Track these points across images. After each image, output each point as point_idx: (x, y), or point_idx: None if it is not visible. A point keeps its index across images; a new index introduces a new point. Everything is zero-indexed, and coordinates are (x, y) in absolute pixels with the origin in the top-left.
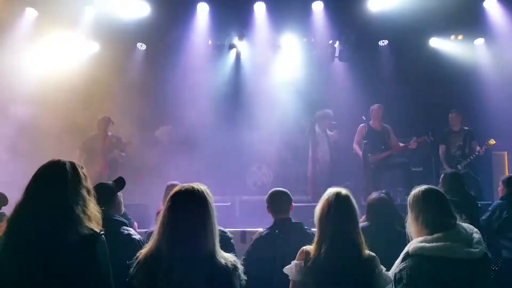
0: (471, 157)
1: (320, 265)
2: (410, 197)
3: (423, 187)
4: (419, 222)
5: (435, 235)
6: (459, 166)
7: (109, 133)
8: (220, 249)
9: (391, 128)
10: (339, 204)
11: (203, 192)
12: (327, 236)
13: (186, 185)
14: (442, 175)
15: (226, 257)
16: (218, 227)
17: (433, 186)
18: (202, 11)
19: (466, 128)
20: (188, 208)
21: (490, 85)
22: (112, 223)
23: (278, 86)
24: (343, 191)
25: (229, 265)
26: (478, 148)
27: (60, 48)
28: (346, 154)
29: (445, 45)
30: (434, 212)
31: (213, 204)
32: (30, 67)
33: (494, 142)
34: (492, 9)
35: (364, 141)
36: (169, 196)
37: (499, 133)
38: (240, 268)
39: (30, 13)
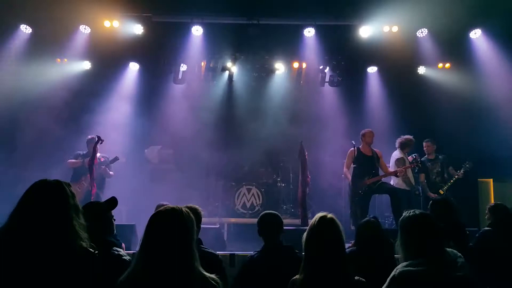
0: (451, 181)
1: None
2: (400, 221)
3: (413, 211)
4: (407, 246)
5: (420, 260)
6: (441, 191)
7: (98, 154)
8: (202, 270)
9: (381, 153)
10: (323, 228)
11: (183, 213)
12: (311, 262)
13: (169, 206)
14: (430, 202)
15: (208, 278)
16: (209, 250)
17: (424, 211)
18: (196, 33)
19: (441, 156)
20: (167, 231)
21: (476, 114)
22: (102, 243)
23: (269, 109)
24: (328, 215)
25: (211, 286)
26: (456, 172)
27: (52, 65)
28: (335, 178)
29: (433, 73)
30: (420, 236)
31: (194, 226)
32: (21, 82)
33: (470, 164)
34: (478, 40)
35: (354, 166)
36: (151, 216)
37: (485, 161)
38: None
39: (24, 29)
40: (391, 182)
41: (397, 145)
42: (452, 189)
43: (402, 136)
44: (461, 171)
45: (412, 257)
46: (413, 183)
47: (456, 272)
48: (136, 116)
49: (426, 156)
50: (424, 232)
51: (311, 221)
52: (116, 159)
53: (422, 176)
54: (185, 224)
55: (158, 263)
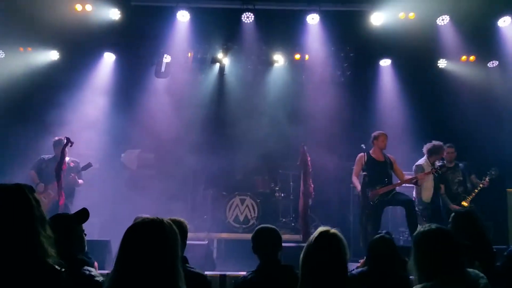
0: (475, 192)
1: None
2: (414, 236)
3: (429, 225)
4: (421, 265)
5: (437, 281)
6: (464, 203)
7: (67, 158)
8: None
9: (395, 159)
10: (322, 245)
11: (165, 226)
12: (308, 284)
13: (148, 217)
14: (452, 215)
15: None
16: (195, 270)
17: (440, 226)
18: (183, 19)
19: (461, 164)
20: (145, 246)
21: (505, 116)
22: (72, 262)
23: (266, 108)
24: (331, 230)
25: None
26: (481, 181)
27: (14, 55)
28: (342, 187)
29: (456, 67)
30: (436, 254)
31: (179, 241)
32: None
33: (496, 172)
34: (507, 29)
35: (364, 173)
36: (127, 229)
37: None
38: None
39: None
40: (414, 194)
41: (424, 151)
42: (476, 200)
43: (430, 142)
44: (486, 179)
45: (427, 278)
46: (430, 196)
47: None
48: (112, 114)
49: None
50: (441, 250)
51: (310, 237)
52: (88, 165)
53: (442, 187)
54: (167, 239)
55: (135, 285)
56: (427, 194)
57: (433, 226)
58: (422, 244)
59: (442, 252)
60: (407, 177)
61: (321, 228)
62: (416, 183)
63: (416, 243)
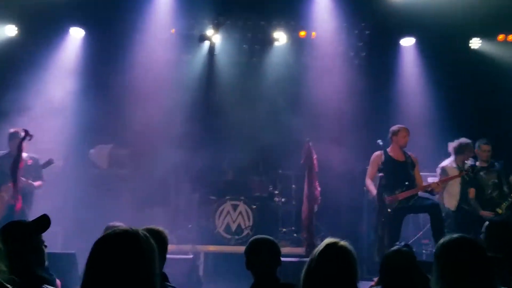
0: None
1: None
2: (436, 249)
3: (454, 236)
4: (445, 283)
5: None
6: (498, 210)
7: (25, 154)
8: None
9: (417, 159)
10: (329, 259)
11: (140, 237)
12: None
13: (121, 227)
14: (486, 224)
15: None
16: None
17: (467, 236)
18: None
19: (497, 163)
20: (117, 262)
21: None
22: (29, 279)
23: (264, 95)
24: (340, 242)
25: None
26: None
27: None
28: (354, 191)
29: (491, 47)
30: (465, 271)
31: (156, 256)
32: None
33: None
34: None
35: (380, 175)
36: (95, 242)
37: None
38: None
39: None
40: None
41: (449, 150)
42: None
43: (458, 139)
44: None
45: None
46: (455, 203)
47: None
48: (79, 101)
49: (477, 163)
50: (465, 263)
51: (315, 250)
52: (50, 162)
53: (471, 191)
54: (143, 253)
55: None
56: (453, 201)
57: (456, 235)
58: (442, 258)
59: (467, 266)
60: (424, 184)
61: (328, 240)
62: (431, 192)
63: (436, 256)
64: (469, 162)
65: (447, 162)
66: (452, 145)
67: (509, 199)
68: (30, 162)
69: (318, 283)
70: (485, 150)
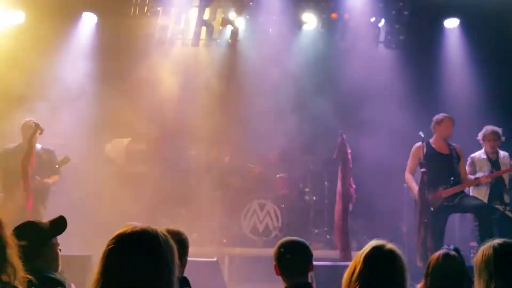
0: None
1: None
2: (477, 256)
3: (497, 241)
4: None
5: None
6: None
7: (38, 146)
8: None
9: (462, 150)
10: (374, 264)
11: (159, 238)
12: None
13: (137, 226)
14: None
15: None
16: None
17: (508, 240)
18: None
19: None
20: (132, 263)
21: None
22: (43, 282)
23: (292, 83)
24: (388, 245)
25: None
26: None
27: None
28: (393, 188)
29: None
30: (506, 278)
31: (176, 258)
32: None
33: None
34: None
35: (422, 169)
36: (110, 239)
37: None
38: None
39: None
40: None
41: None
42: None
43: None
44: None
45: None
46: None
47: None
48: (93, 93)
49: None
50: (508, 272)
51: (358, 253)
52: (65, 161)
53: None
54: (161, 254)
55: None
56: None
57: (497, 242)
58: (482, 267)
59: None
60: (471, 177)
61: (373, 242)
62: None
63: (476, 265)
64: None
65: (478, 152)
66: (480, 133)
67: None
68: (44, 156)
69: (367, 283)
70: None
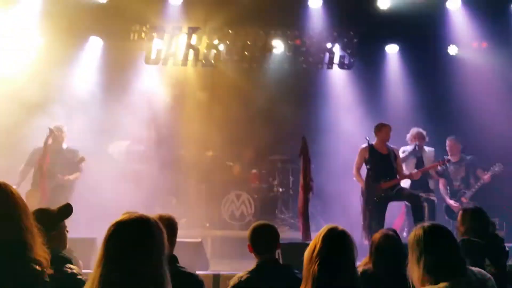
0: (476, 186)
1: None
2: (410, 236)
3: (426, 224)
4: (420, 266)
5: (441, 284)
6: (463, 199)
7: (64, 146)
8: None
9: (398, 151)
10: (330, 243)
11: (151, 223)
12: (314, 283)
13: (132, 214)
14: (461, 211)
15: None
16: (186, 270)
17: (437, 223)
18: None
19: (469, 157)
20: (128, 245)
21: None
22: (53, 260)
23: (263, 95)
24: (340, 227)
25: None
26: (483, 175)
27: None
28: (345, 182)
29: (467, 53)
30: (438, 254)
31: (165, 240)
32: None
33: (500, 167)
34: None
35: (367, 166)
36: (110, 225)
37: None
38: None
39: None
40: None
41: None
42: (478, 196)
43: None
44: (488, 174)
45: (429, 279)
46: None
47: None
48: (99, 101)
49: (449, 157)
50: (442, 249)
51: (316, 235)
52: (81, 160)
53: (442, 182)
54: (153, 237)
55: (117, 285)
56: None
57: (426, 224)
58: (418, 244)
59: (440, 251)
60: (405, 173)
61: (328, 225)
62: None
63: (412, 243)
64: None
65: (406, 147)
66: (408, 134)
67: (472, 190)
68: (68, 155)
69: (321, 264)
70: (452, 145)
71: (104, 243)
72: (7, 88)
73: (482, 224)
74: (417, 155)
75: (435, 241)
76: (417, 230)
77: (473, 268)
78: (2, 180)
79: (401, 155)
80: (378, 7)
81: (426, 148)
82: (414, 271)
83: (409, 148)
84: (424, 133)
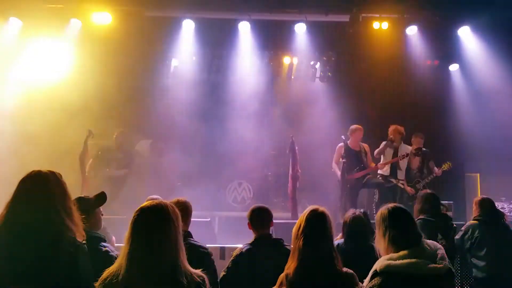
0: (429, 178)
1: (295, 284)
2: (377, 215)
3: (390, 205)
4: (385, 239)
5: (401, 252)
6: (417, 186)
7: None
8: (187, 265)
9: (368, 147)
10: (312, 221)
11: (168, 208)
12: (300, 254)
13: (154, 201)
14: (418, 194)
15: (192, 273)
16: (198, 243)
17: (399, 205)
18: (188, 28)
19: (424, 149)
20: (150, 224)
21: (464, 110)
22: (90, 239)
23: (259, 103)
24: (320, 208)
25: (194, 281)
26: (435, 169)
27: (46, 57)
28: (326, 173)
29: (422, 70)
30: (399, 229)
31: (179, 221)
32: (15, 77)
33: (449, 165)
34: (466, 37)
35: (343, 161)
36: (136, 210)
37: (472, 155)
38: (207, 285)
39: (15, 23)
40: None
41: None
42: (439, 183)
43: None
44: (440, 169)
45: (392, 250)
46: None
47: (437, 263)
48: (128, 107)
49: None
50: (402, 225)
51: (301, 215)
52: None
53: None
54: (170, 220)
55: (142, 259)
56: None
57: (392, 205)
58: (380, 222)
59: (403, 226)
60: (373, 165)
61: (311, 207)
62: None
63: (377, 221)
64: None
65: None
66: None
67: (426, 180)
68: (121, 154)
69: (305, 238)
70: (416, 141)
71: (130, 225)
72: (50, 94)
73: (434, 205)
74: (392, 147)
75: (396, 218)
76: (383, 210)
77: (428, 240)
78: (49, 169)
79: (381, 146)
80: (350, 32)
81: (403, 144)
82: (380, 243)
83: (384, 142)
84: (402, 129)
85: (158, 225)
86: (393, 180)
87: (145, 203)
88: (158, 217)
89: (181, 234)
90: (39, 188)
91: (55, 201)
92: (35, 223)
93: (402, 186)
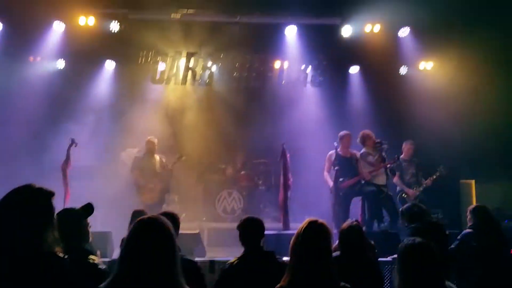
0: (420, 190)
1: None
2: (399, 248)
3: (411, 240)
4: (404, 275)
5: None
6: (416, 191)
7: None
8: (182, 280)
9: (358, 155)
10: (311, 233)
11: (165, 225)
12: (297, 268)
13: (147, 217)
14: (404, 207)
15: None
16: (187, 257)
17: (424, 241)
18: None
19: (415, 158)
20: (147, 239)
21: (459, 114)
22: (78, 252)
23: (250, 109)
24: (319, 220)
25: None
26: (426, 181)
27: (25, 64)
28: (318, 181)
29: (415, 73)
30: (416, 274)
31: (174, 235)
32: None
33: (441, 169)
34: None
35: (336, 168)
36: (131, 226)
37: (467, 162)
38: None
39: None
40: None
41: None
42: (433, 190)
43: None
44: (429, 179)
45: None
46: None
47: None
48: (111, 117)
49: (402, 156)
50: (420, 269)
51: (300, 226)
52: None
53: (397, 175)
54: (167, 238)
55: (138, 269)
56: None
57: (417, 240)
58: (405, 256)
59: (422, 266)
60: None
61: (310, 218)
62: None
63: (400, 254)
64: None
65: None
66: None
67: (420, 189)
68: (155, 164)
69: (304, 251)
70: (408, 148)
71: (128, 240)
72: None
73: (423, 213)
74: (373, 154)
75: (413, 260)
76: (403, 245)
77: (447, 282)
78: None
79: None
80: (342, 35)
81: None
82: (398, 277)
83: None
84: (367, 132)
85: (154, 238)
86: (384, 190)
87: (143, 217)
88: (156, 236)
89: (177, 251)
90: (25, 203)
91: (38, 217)
92: (11, 239)
93: (404, 196)
